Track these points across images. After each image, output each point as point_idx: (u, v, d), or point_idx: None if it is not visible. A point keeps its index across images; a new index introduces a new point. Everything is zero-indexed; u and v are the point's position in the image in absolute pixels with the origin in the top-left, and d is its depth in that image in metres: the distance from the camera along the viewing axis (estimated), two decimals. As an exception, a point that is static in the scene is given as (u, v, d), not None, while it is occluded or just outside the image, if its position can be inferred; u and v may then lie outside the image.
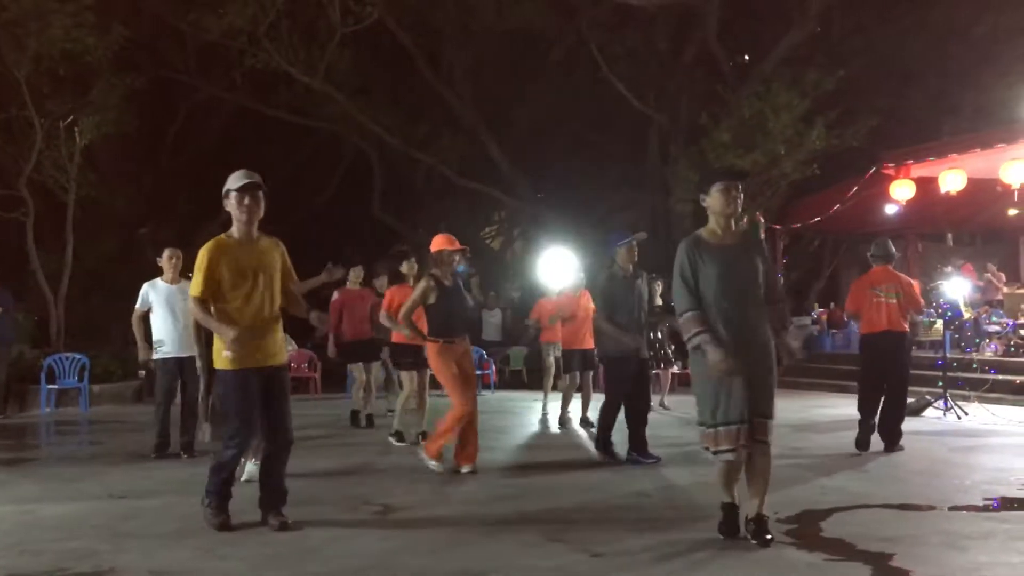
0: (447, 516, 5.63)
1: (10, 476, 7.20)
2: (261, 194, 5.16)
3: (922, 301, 8.93)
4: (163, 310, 8.03)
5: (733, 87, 17.58)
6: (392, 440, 8.76)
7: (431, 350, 7.14)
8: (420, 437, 8.55)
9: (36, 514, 5.68)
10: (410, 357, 8.61)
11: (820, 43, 18.74)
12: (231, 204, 5.15)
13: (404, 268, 9.29)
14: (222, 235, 5.22)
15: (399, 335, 8.53)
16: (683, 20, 18.12)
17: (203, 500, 5.24)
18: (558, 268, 11.63)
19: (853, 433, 8.55)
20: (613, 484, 6.65)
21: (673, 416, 11.18)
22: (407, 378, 8.91)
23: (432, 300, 7.09)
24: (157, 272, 8.22)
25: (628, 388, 7.60)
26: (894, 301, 8.23)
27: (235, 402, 5.11)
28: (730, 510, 4.91)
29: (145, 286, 8.15)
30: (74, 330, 15.05)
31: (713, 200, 4.85)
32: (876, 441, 8.28)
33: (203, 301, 5.08)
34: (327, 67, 17.29)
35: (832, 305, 19.58)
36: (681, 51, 18.49)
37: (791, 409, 12.18)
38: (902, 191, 15.09)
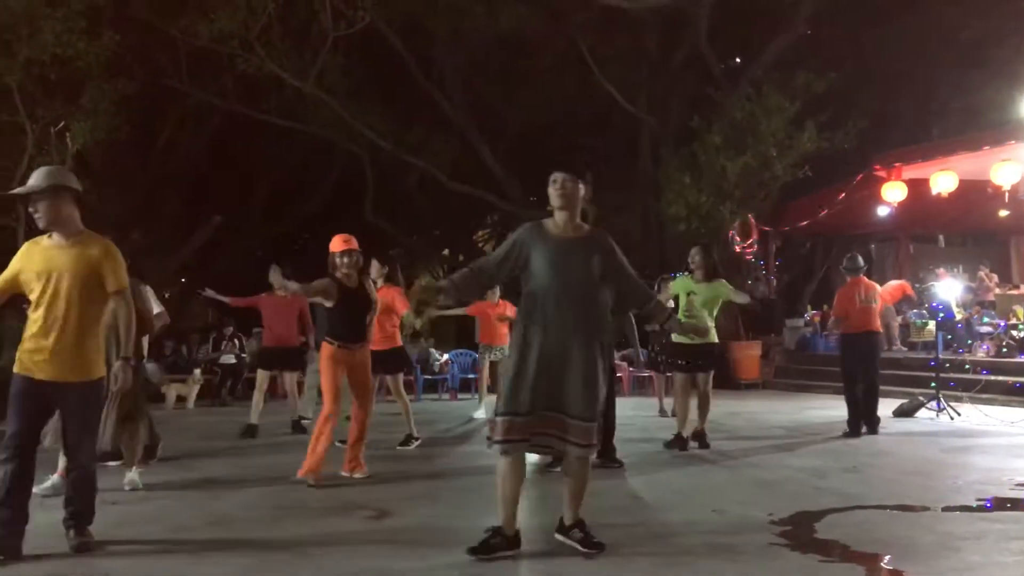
0: (440, 520, 5.61)
1: None
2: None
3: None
4: None
5: (724, 90, 17.63)
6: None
7: (325, 352, 6.80)
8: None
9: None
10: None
11: (810, 46, 18.81)
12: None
13: (373, 271, 8.84)
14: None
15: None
16: (673, 23, 18.15)
17: None
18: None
19: (846, 435, 8.57)
20: (603, 490, 6.64)
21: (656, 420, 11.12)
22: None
23: (332, 302, 6.78)
24: (145, 277, 8.16)
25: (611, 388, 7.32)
26: (873, 305, 9.74)
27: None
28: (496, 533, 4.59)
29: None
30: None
31: (549, 194, 4.69)
32: (865, 440, 8.29)
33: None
34: (319, 71, 17.28)
35: (825, 307, 19.51)
36: (671, 54, 18.52)
37: (784, 411, 12.21)
38: (893, 193, 15.14)
